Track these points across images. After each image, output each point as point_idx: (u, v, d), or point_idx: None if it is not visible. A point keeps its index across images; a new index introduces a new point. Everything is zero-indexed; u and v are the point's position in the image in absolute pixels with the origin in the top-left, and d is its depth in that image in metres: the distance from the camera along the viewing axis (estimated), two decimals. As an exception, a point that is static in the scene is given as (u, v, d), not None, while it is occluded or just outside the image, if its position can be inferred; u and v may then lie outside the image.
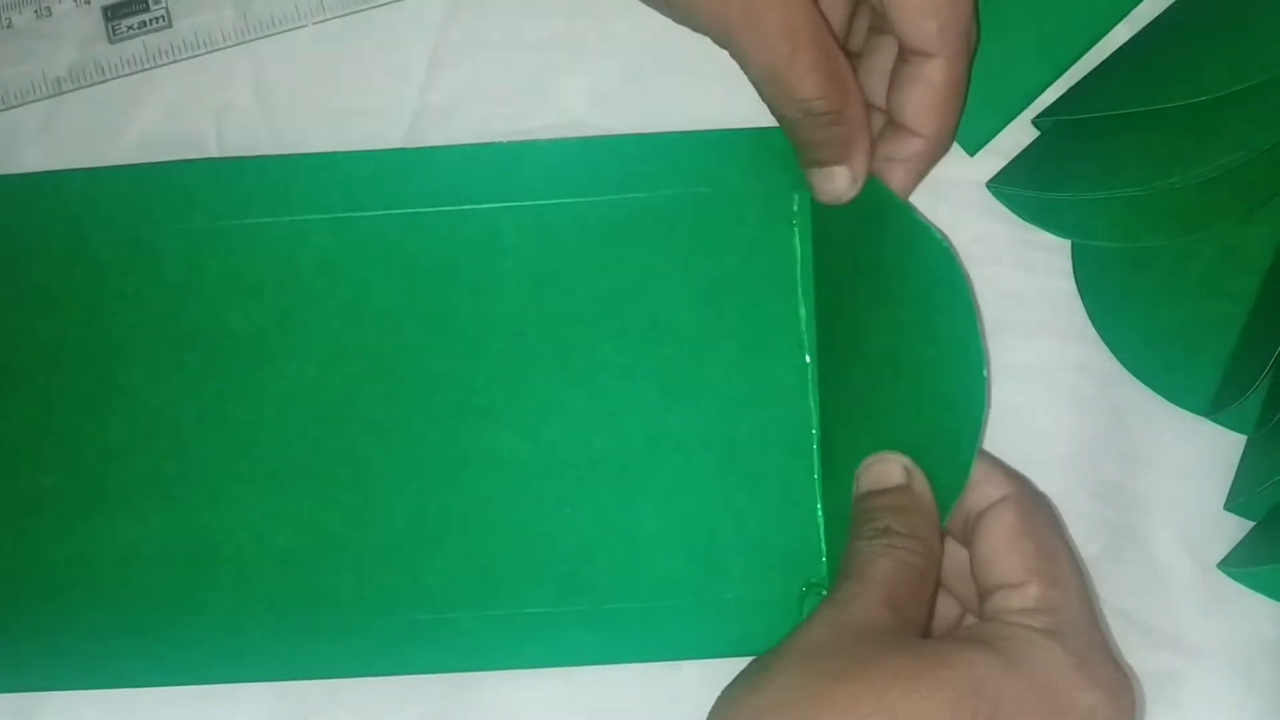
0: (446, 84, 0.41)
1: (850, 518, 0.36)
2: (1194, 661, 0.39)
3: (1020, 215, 0.40)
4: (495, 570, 0.39)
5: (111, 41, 0.41)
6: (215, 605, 0.39)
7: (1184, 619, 0.39)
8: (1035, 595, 0.32)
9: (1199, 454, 0.39)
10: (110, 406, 0.39)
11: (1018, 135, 0.40)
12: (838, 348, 0.38)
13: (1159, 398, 0.39)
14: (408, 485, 0.39)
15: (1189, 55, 0.37)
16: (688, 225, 0.39)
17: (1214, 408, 0.39)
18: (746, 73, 0.35)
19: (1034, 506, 0.34)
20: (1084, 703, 0.30)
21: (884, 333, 0.37)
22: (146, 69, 0.41)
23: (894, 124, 0.36)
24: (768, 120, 0.37)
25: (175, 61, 0.41)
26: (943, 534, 0.35)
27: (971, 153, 0.40)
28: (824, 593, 0.38)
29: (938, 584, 0.34)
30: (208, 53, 0.41)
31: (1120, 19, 0.40)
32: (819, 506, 0.38)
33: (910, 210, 0.36)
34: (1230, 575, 0.39)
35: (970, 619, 0.36)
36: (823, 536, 0.38)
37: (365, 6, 0.40)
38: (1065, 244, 0.40)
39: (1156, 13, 0.40)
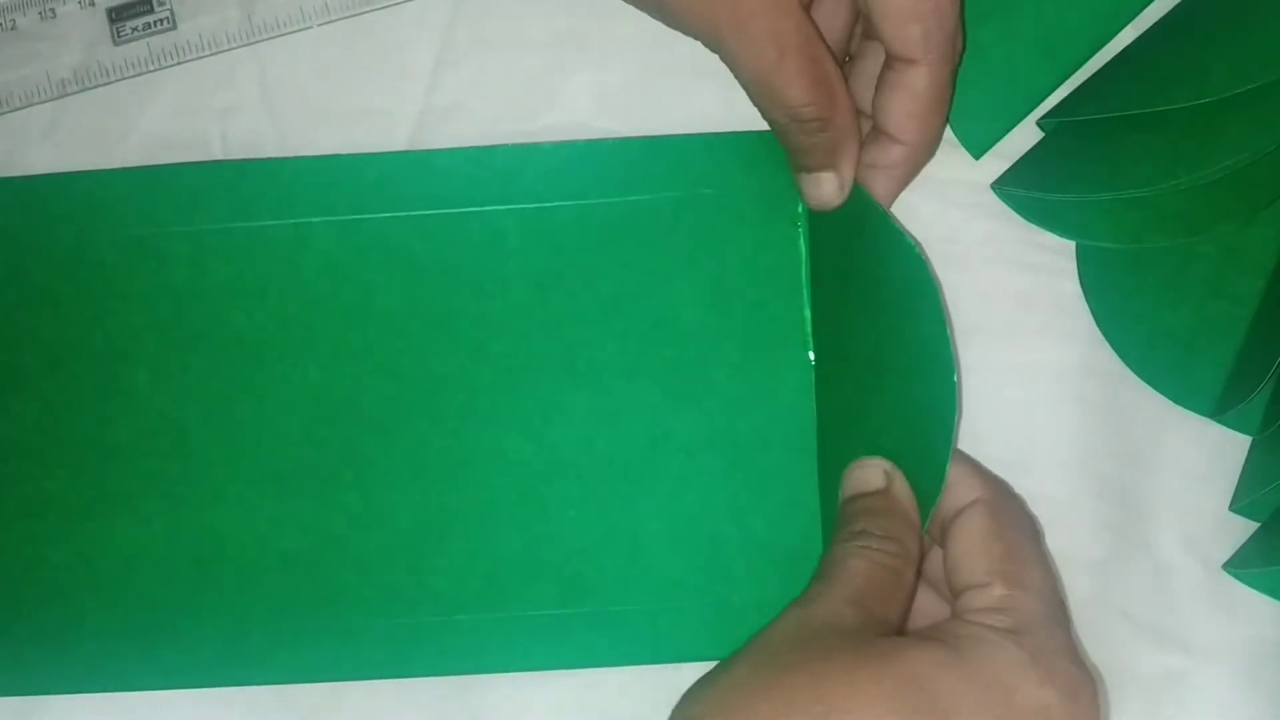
0: (451, 85, 0.41)
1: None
2: (1199, 663, 0.39)
3: (1024, 217, 0.40)
4: (499, 572, 0.38)
5: (116, 43, 0.41)
6: (218, 607, 0.38)
7: (1189, 620, 0.39)
8: (997, 595, 0.32)
9: (1204, 455, 0.39)
10: (113, 408, 0.39)
11: (1022, 137, 0.40)
12: (832, 351, 0.38)
13: (1163, 399, 0.39)
14: (411, 487, 0.39)
15: (1193, 57, 0.37)
16: (691, 227, 0.39)
17: (1219, 409, 0.39)
18: (736, 77, 0.36)
19: (1005, 509, 0.34)
20: (1036, 701, 0.30)
21: (868, 337, 0.37)
22: (151, 71, 0.41)
23: (877, 130, 0.37)
24: (772, 122, 0.37)
25: (180, 63, 0.41)
26: (923, 537, 0.35)
27: (976, 157, 0.40)
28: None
29: (916, 585, 0.34)
30: (212, 54, 0.41)
31: (1126, 23, 0.40)
32: (821, 509, 0.38)
33: (886, 215, 0.36)
34: (1235, 577, 0.39)
35: None
36: (826, 539, 0.38)
37: (370, 8, 0.41)
38: (1069, 245, 0.40)
39: (1160, 14, 0.40)
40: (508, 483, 0.39)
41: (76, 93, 0.41)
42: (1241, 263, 0.39)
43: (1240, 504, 0.39)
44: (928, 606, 0.36)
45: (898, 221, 0.36)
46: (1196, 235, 0.38)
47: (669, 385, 0.39)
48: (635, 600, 0.38)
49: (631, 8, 0.37)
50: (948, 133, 0.40)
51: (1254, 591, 0.39)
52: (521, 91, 0.41)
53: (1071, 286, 0.40)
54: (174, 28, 0.41)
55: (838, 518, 0.36)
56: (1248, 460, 0.39)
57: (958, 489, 0.34)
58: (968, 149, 0.40)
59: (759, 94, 0.36)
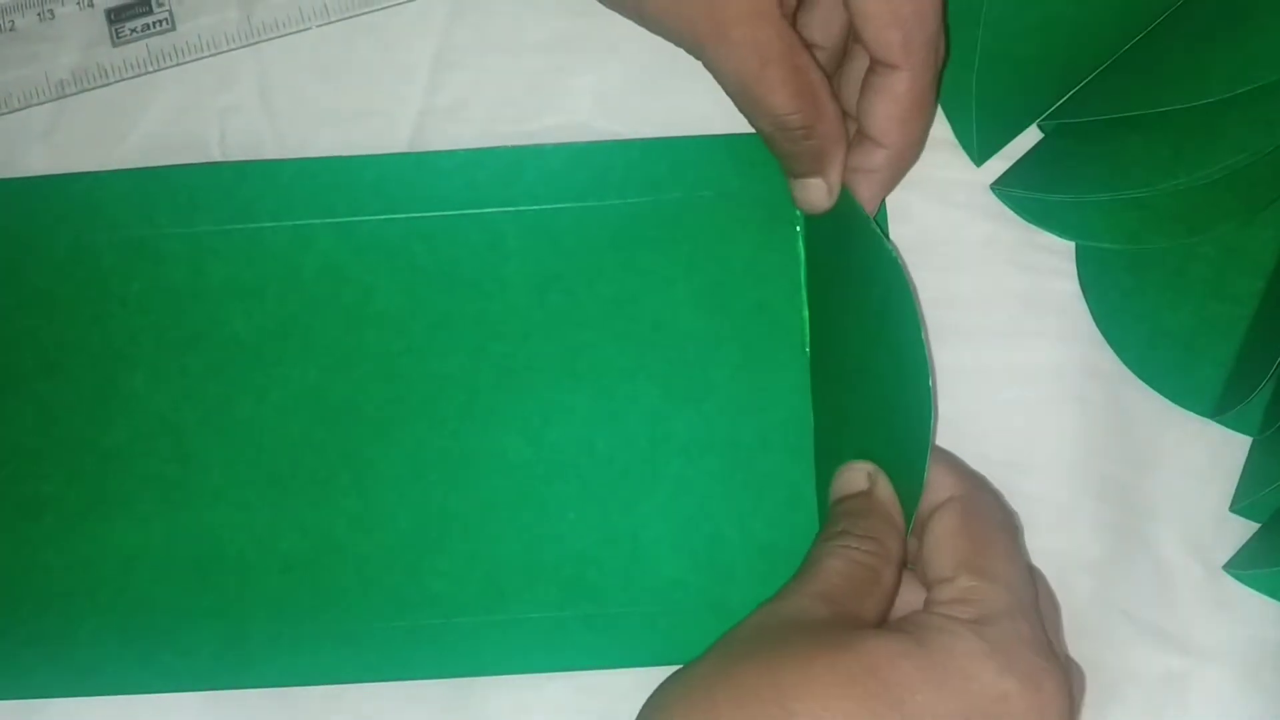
0: (451, 86, 0.41)
1: None
2: (1199, 663, 0.39)
3: (1024, 217, 0.40)
4: (499, 574, 0.38)
5: (115, 44, 0.40)
6: (217, 610, 0.38)
7: (1189, 621, 0.39)
8: (961, 586, 0.33)
9: (1204, 456, 0.39)
10: (112, 411, 0.39)
11: (1022, 137, 0.40)
12: (826, 353, 0.38)
13: (1163, 399, 0.39)
14: (411, 489, 0.39)
15: (1192, 58, 0.37)
16: (691, 229, 0.39)
17: (1219, 409, 0.39)
18: (720, 85, 0.36)
19: (977, 505, 0.35)
20: (994, 689, 0.30)
21: (857, 340, 0.37)
22: (150, 72, 0.41)
23: (860, 134, 0.37)
24: (772, 123, 0.37)
25: (179, 64, 0.41)
26: (905, 536, 0.35)
27: (978, 164, 0.40)
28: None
29: (897, 585, 0.35)
30: (211, 55, 0.41)
31: (1132, 39, 0.39)
32: (820, 510, 0.38)
33: (868, 220, 0.36)
34: (1236, 577, 0.39)
35: None
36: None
37: (369, 9, 0.41)
38: (1069, 246, 0.40)
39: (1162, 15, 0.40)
40: (507, 484, 0.39)
41: (75, 94, 0.41)
42: (1241, 263, 0.39)
43: (1240, 505, 0.39)
44: (917, 604, 0.36)
45: (878, 227, 0.36)
46: (1196, 235, 0.38)
47: (669, 387, 0.39)
48: (635, 602, 0.38)
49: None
50: (947, 133, 0.40)
51: (1254, 592, 0.39)
52: (521, 92, 0.41)
53: (1071, 287, 0.40)
54: (173, 29, 0.41)
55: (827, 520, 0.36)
56: (1248, 461, 0.39)
57: (933, 487, 0.35)
58: (970, 155, 0.40)
59: (742, 102, 0.36)
